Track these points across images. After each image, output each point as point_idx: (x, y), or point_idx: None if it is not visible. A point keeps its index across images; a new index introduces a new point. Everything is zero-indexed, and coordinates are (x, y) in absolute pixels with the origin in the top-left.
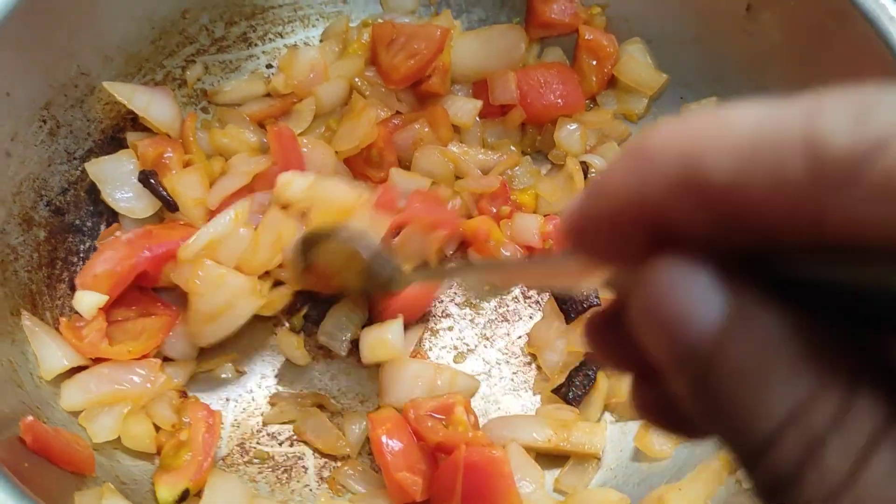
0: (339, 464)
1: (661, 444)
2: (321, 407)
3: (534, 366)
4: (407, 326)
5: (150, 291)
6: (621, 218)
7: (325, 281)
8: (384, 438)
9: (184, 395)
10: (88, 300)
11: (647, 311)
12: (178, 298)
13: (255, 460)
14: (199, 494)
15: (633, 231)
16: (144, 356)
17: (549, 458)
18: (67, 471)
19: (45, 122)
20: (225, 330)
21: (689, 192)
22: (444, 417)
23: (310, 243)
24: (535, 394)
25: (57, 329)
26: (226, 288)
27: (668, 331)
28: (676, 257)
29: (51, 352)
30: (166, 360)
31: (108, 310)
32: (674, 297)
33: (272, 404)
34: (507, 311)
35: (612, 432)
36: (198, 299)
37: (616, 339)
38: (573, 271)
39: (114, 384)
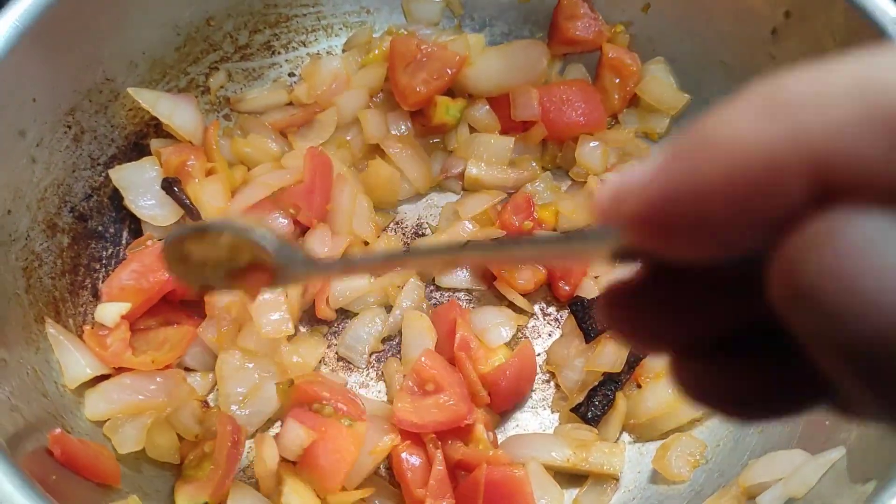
0: None
1: (680, 466)
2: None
3: (552, 384)
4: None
5: (173, 302)
6: (748, 189)
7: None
8: (404, 455)
9: (206, 405)
10: (111, 311)
11: (819, 278)
12: (201, 309)
13: None
14: None
15: (762, 206)
16: (167, 366)
17: (568, 477)
18: (93, 482)
19: (69, 127)
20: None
21: (874, 124)
22: (464, 435)
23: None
24: (553, 412)
25: (80, 337)
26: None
27: (858, 304)
28: (853, 207)
29: (74, 360)
30: (187, 370)
31: (131, 319)
32: (868, 258)
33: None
34: (526, 328)
35: (631, 453)
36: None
37: (644, 312)
38: (596, 253)
39: (136, 394)
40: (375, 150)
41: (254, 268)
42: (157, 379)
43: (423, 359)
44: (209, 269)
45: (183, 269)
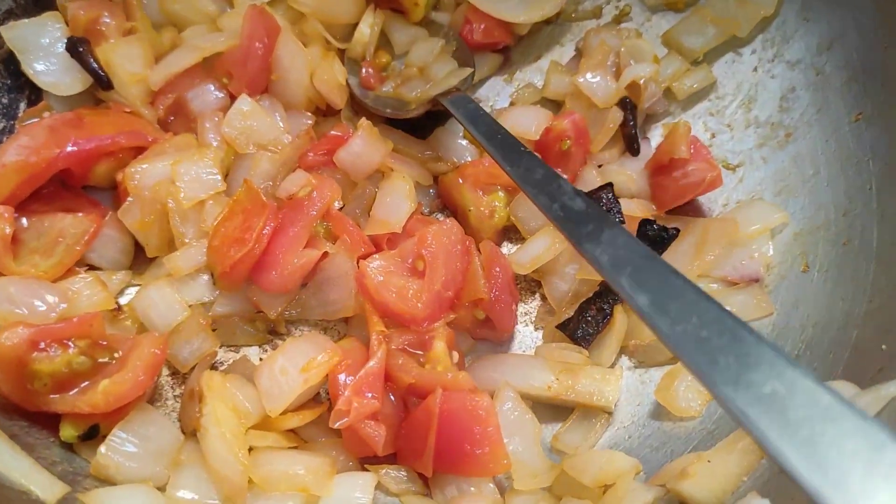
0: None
1: (689, 399)
2: (273, 332)
3: (538, 295)
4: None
5: (75, 188)
6: None
7: None
8: (342, 377)
9: (117, 308)
10: None
11: None
12: (110, 198)
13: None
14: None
15: None
16: (66, 273)
17: (549, 409)
18: None
19: None
20: None
21: None
22: (421, 353)
23: None
24: (536, 328)
25: None
26: None
27: None
28: None
29: None
30: (91, 268)
31: (20, 205)
32: None
33: (214, 329)
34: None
35: (629, 382)
36: None
37: None
38: None
39: (12, 305)
40: None
41: None
42: (45, 295)
43: (430, 236)
44: None
45: None
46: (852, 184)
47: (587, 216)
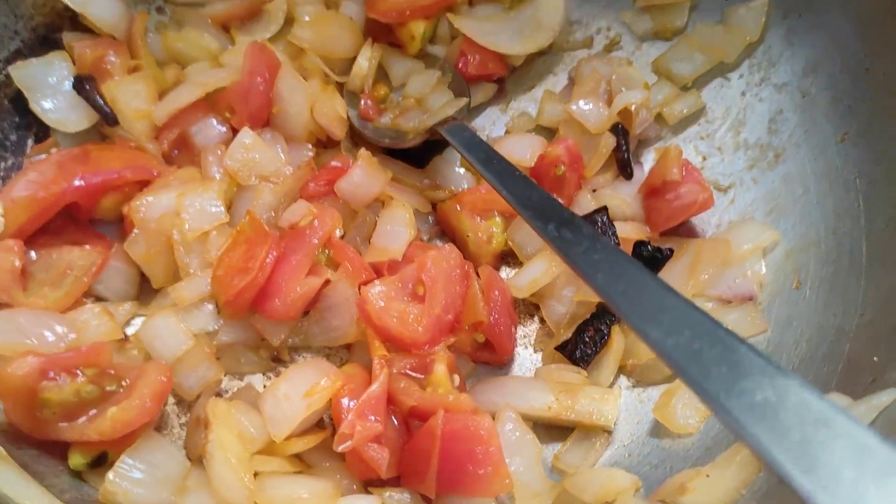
0: None
1: (687, 416)
2: (277, 360)
3: (536, 318)
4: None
5: (82, 221)
6: None
7: None
8: (345, 401)
9: (124, 338)
10: None
11: None
12: (116, 231)
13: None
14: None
15: None
16: (74, 304)
17: (549, 429)
18: None
19: None
20: None
21: None
22: (422, 376)
23: None
24: (535, 351)
25: None
26: None
27: None
28: None
29: None
30: (98, 299)
31: (29, 239)
32: None
33: (218, 357)
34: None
35: (628, 401)
36: None
37: None
38: None
39: (22, 335)
40: None
41: None
42: (54, 325)
43: (430, 261)
44: None
45: None
46: (840, 202)
47: (581, 236)
